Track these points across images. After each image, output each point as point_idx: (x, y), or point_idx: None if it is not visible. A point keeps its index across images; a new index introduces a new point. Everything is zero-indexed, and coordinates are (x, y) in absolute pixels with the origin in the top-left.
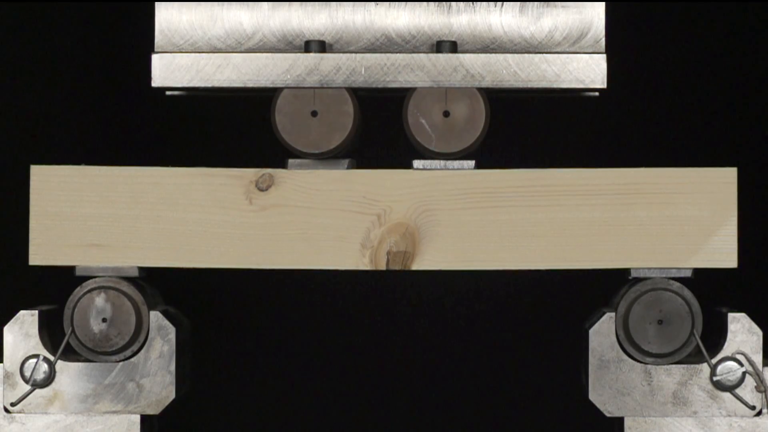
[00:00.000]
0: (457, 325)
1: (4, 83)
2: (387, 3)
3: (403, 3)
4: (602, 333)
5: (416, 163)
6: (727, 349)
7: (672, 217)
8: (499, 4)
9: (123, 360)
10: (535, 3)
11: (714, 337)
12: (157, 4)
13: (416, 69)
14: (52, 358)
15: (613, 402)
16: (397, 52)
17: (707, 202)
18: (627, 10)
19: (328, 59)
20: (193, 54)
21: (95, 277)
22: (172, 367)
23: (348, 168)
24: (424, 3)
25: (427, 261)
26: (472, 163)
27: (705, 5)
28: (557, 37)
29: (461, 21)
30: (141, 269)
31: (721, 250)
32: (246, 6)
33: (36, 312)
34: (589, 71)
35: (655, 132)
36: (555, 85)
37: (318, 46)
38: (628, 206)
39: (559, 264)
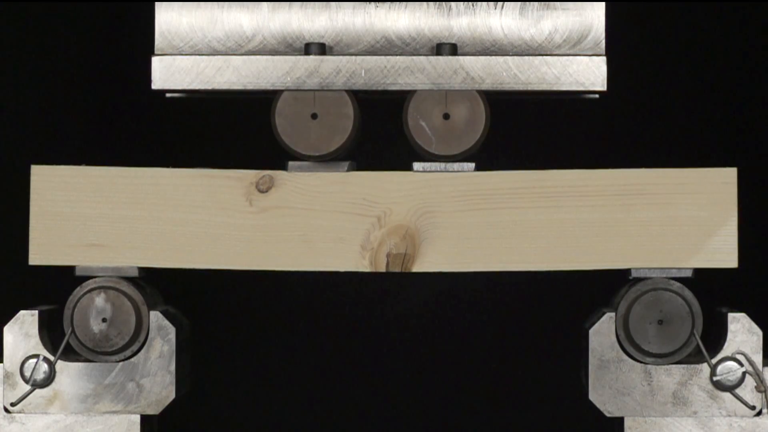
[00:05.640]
0: (457, 326)
1: (4, 83)
2: (387, 5)
3: (403, 5)
4: (602, 333)
5: (416, 165)
6: (727, 349)
7: (672, 217)
8: (499, 6)
9: (123, 360)
10: (535, 5)
11: (714, 337)
12: (157, 5)
13: (416, 71)
14: (52, 358)
15: (613, 402)
16: (397, 55)
17: (707, 203)
18: (627, 12)
19: (328, 62)
20: (193, 56)
21: (95, 277)
22: (172, 367)
23: (348, 170)
24: (424, 5)
25: (427, 263)
26: (472, 165)
27: (705, 6)
28: (557, 40)
29: (461, 23)
30: (141, 269)
31: (721, 250)
32: (246, 8)
33: (36, 312)
34: (589, 73)
35: (655, 133)
36: (555, 88)
37: (318, 48)
38: (628, 207)
39: (559, 265)
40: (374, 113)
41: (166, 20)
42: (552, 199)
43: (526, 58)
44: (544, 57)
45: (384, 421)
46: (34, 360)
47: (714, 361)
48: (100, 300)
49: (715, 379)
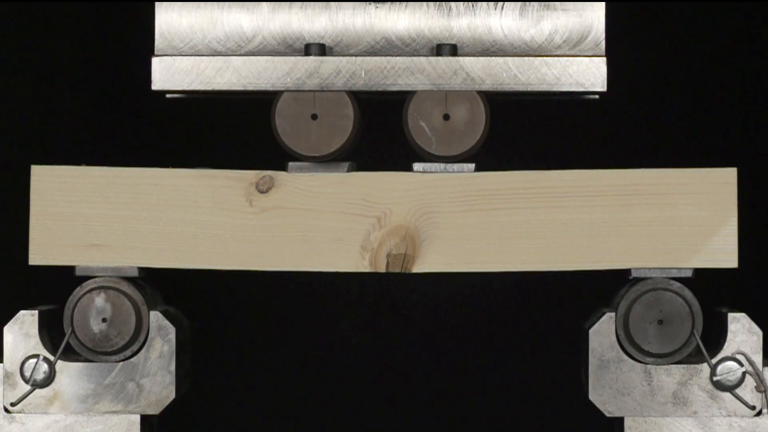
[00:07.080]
0: (458, 326)
1: (4, 83)
2: (387, 6)
3: (403, 5)
4: (602, 333)
5: (416, 165)
6: (727, 349)
7: (672, 217)
8: (499, 7)
9: (123, 360)
10: (535, 5)
11: (714, 337)
12: (157, 5)
13: (416, 72)
14: (52, 358)
15: (613, 402)
16: (397, 55)
17: (707, 203)
18: (627, 12)
19: (328, 62)
20: (193, 57)
21: (95, 277)
22: (172, 367)
23: (348, 171)
24: (424, 5)
25: (427, 263)
26: (472, 165)
27: (705, 6)
28: (557, 40)
29: (461, 24)
30: (141, 269)
31: (721, 250)
32: (246, 8)
33: (36, 312)
34: (589, 74)
35: (655, 133)
36: (555, 89)
37: (318, 49)
38: (628, 207)
39: (559, 265)
40: (374, 113)
41: (166, 20)
42: (552, 199)
43: (526, 58)
44: (544, 58)
45: (384, 420)
46: (34, 360)
47: (714, 361)
48: (100, 300)
49: (715, 379)
